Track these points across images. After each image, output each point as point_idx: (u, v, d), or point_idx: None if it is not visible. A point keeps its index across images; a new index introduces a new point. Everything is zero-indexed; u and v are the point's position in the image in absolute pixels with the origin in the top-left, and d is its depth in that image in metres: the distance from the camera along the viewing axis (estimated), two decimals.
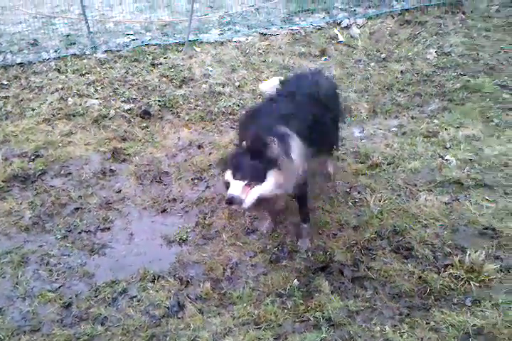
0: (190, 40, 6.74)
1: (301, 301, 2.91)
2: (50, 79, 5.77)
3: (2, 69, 5.92)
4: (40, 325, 2.84)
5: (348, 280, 3.08)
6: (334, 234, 3.47)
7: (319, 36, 6.97)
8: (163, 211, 3.93)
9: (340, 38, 6.95)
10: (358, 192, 3.86)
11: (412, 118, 4.97)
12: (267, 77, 5.69)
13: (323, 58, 6.43)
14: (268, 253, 3.38)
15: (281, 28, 7.23)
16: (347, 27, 7.25)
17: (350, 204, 3.76)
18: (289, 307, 2.88)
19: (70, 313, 2.91)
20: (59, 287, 3.13)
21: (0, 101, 5.36)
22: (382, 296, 2.93)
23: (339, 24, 7.31)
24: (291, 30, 7.15)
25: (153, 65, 6.25)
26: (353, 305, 2.85)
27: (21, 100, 5.41)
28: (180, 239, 3.58)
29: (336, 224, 3.57)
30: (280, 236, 3.52)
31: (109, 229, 3.70)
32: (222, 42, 6.85)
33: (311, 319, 2.78)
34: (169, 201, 4.01)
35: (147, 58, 6.34)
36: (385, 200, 3.72)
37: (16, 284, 3.13)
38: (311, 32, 7.09)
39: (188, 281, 3.14)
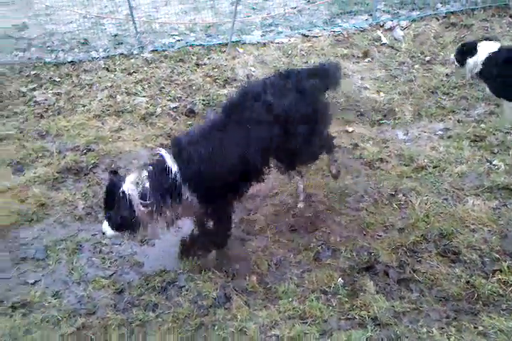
0: (233, 41, 6.86)
1: (346, 299, 2.94)
2: (100, 78, 5.98)
3: (54, 67, 6.18)
4: (94, 309, 2.97)
5: (393, 281, 3.09)
6: (379, 236, 3.48)
7: (362, 38, 6.95)
8: None
9: (384, 40, 6.92)
10: (403, 195, 3.85)
11: (458, 121, 4.91)
12: None
13: (366, 60, 6.43)
14: (312, 251, 3.42)
15: (324, 29, 7.25)
16: (390, 29, 7.20)
17: (395, 206, 3.75)
18: (334, 304, 2.91)
19: (122, 299, 3.04)
20: (112, 274, 3.27)
21: (53, 97, 5.60)
22: (428, 299, 2.92)
23: (382, 26, 7.27)
24: (334, 31, 7.17)
25: (197, 65, 6.39)
26: (399, 306, 2.86)
27: (73, 97, 5.63)
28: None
29: (380, 226, 3.58)
30: (324, 235, 3.55)
31: None
32: (265, 44, 6.94)
33: (357, 317, 2.81)
34: None
35: (192, 58, 6.48)
36: (431, 204, 3.70)
37: (72, 270, 3.28)
38: (354, 34, 7.08)
39: (233, 274, 3.22)
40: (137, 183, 2.74)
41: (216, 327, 2.79)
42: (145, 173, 2.81)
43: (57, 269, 3.32)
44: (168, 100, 5.66)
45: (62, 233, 3.63)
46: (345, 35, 7.01)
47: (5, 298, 3.07)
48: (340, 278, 3.10)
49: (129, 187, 2.69)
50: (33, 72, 5.99)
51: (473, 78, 4.76)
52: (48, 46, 6.67)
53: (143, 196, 2.71)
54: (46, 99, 5.54)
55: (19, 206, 3.86)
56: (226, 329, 2.77)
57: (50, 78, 5.92)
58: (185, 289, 3.12)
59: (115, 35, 7.04)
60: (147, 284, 3.16)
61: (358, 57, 6.46)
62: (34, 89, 5.71)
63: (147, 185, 2.75)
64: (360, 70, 6.12)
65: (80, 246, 3.51)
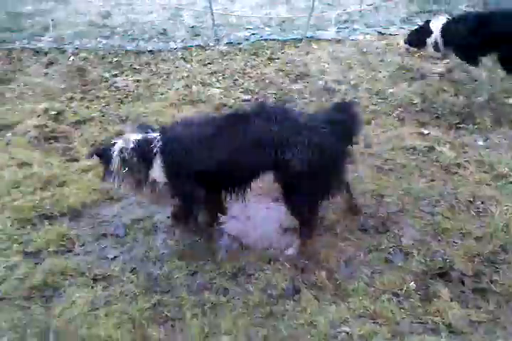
0: (307, 37, 6.86)
1: (419, 304, 2.89)
2: (177, 67, 6.17)
3: (135, 55, 6.45)
4: (169, 288, 3.09)
5: (468, 290, 3.00)
6: (454, 242, 3.38)
7: None
8: (277, 200, 4.06)
9: None
10: (482, 202, 3.72)
11: None
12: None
13: (445, 61, 6.22)
14: (383, 252, 3.38)
15: (401, 27, 7.10)
16: None
17: (473, 213, 3.63)
18: (406, 307, 2.87)
19: (195, 281, 3.14)
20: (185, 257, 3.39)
21: (133, 84, 5.84)
22: (506, 311, 2.82)
23: None
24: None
25: (270, 59, 6.45)
26: (474, 315, 2.78)
27: (151, 84, 5.85)
28: (294, 228, 3.69)
29: (456, 232, 3.47)
30: (396, 237, 3.50)
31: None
32: (339, 40, 6.89)
33: (430, 322, 2.76)
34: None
35: (265, 52, 6.55)
36: (511, 214, 3.55)
37: (148, 249, 3.43)
38: None
39: (302, 268, 3.24)
40: (124, 144, 3.16)
41: (286, 317, 2.83)
42: (134, 138, 3.17)
43: (134, 247, 3.48)
44: (240, 92, 5.76)
45: (139, 213, 3.80)
46: None
47: (87, 271, 3.26)
48: (412, 282, 3.05)
49: (117, 145, 3.16)
50: (115, 59, 6.28)
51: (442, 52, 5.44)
52: (130, 35, 6.96)
53: (123, 153, 3.13)
54: (126, 86, 5.80)
55: (100, 185, 4.07)
56: (296, 321, 2.80)
57: (131, 65, 6.17)
58: (255, 277, 3.17)
59: (192, 27, 7.24)
60: (218, 269, 3.25)
61: (437, 58, 6.27)
62: (116, 76, 5.98)
63: (130, 145, 3.13)
64: (439, 71, 5.94)
65: (156, 227, 3.66)
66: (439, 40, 5.26)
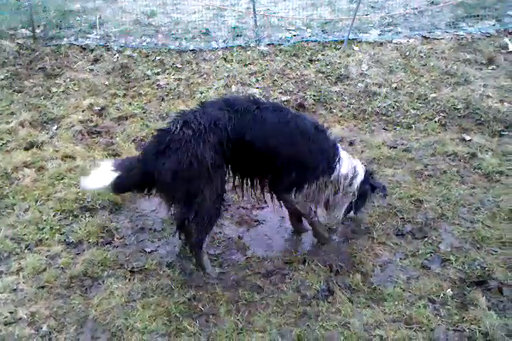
0: (349, 39, 6.80)
1: (456, 311, 2.84)
2: (217, 67, 6.24)
3: (177, 53, 6.55)
4: (203, 283, 3.15)
5: (507, 299, 2.94)
6: (494, 251, 3.31)
7: (487, 44, 6.55)
8: None
9: (511, 48, 6.47)
10: None
11: None
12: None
13: (490, 67, 6.06)
14: (420, 257, 3.34)
15: (446, 32, 6.94)
16: None
17: None
18: (442, 314, 2.84)
19: (229, 278, 3.19)
20: (220, 253, 3.44)
21: (174, 82, 5.95)
22: None
23: (511, 33, 6.81)
24: (457, 35, 6.82)
25: (310, 60, 6.43)
26: None
27: (191, 83, 5.94)
28: (329, 229, 3.70)
29: (496, 241, 3.40)
30: (434, 243, 3.44)
31: (263, 208, 3.94)
32: (382, 43, 6.79)
33: (466, 330, 2.71)
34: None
35: (306, 54, 6.53)
36: None
37: (184, 244, 3.49)
38: (479, 39, 6.69)
39: (337, 270, 3.24)
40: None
41: (319, 318, 2.84)
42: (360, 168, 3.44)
43: (171, 242, 3.56)
44: (279, 93, 5.77)
45: None
46: (469, 40, 6.66)
47: (125, 263, 3.35)
48: (449, 289, 3.01)
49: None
50: (158, 58, 6.40)
51: None
52: (173, 34, 7.07)
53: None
54: (168, 84, 5.91)
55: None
56: (329, 322, 2.80)
57: (173, 64, 6.28)
58: (289, 277, 3.20)
59: (234, 27, 7.29)
60: (251, 266, 3.28)
61: (482, 63, 6.11)
62: (158, 74, 6.10)
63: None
64: (483, 77, 5.79)
65: None
66: None
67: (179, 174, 2.86)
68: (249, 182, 3.30)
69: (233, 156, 3.02)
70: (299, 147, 3.11)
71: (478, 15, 7.30)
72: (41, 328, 2.88)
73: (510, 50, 6.43)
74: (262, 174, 3.26)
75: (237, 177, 3.29)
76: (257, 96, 5.61)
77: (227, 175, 3.16)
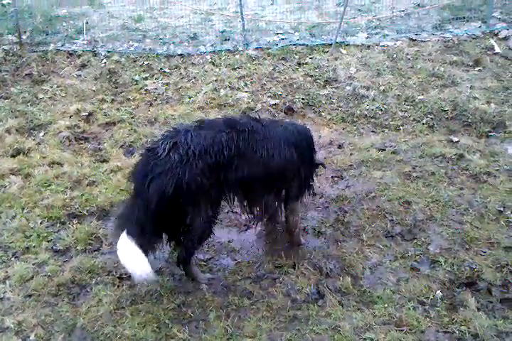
0: (337, 42, 6.83)
1: (445, 313, 2.85)
2: (206, 71, 6.23)
3: (165, 58, 6.53)
4: (193, 289, 3.12)
5: (496, 300, 2.95)
6: (483, 252, 3.33)
7: (473, 46, 6.62)
8: None
9: (497, 49, 6.54)
10: None
11: None
12: None
13: (476, 68, 6.11)
14: (409, 259, 3.34)
15: (433, 34, 7.00)
16: (505, 38, 6.81)
17: (503, 223, 3.56)
18: (432, 316, 2.84)
19: (218, 283, 3.16)
20: (209, 258, 3.42)
21: (162, 87, 5.93)
22: None
23: (496, 35, 6.88)
24: (443, 37, 6.89)
25: (299, 64, 6.44)
26: (502, 326, 2.73)
27: (180, 88, 5.92)
28: (318, 232, 3.69)
29: (485, 242, 3.42)
30: (423, 245, 3.45)
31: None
32: (369, 46, 6.83)
33: (456, 332, 2.71)
34: (309, 195, 4.12)
35: (294, 57, 6.55)
36: None
37: (173, 250, 3.46)
38: (465, 41, 6.77)
39: (327, 273, 3.23)
40: None
41: (310, 322, 2.83)
42: None
43: (159, 248, 3.51)
44: (268, 97, 5.77)
45: None
46: (456, 42, 6.72)
47: (113, 269, 3.31)
48: (439, 291, 3.01)
49: None
50: (146, 62, 6.37)
51: None
52: (161, 38, 7.05)
53: None
54: (156, 89, 5.89)
55: (128, 185, 4.13)
56: (320, 326, 2.79)
57: (161, 69, 6.26)
58: (279, 281, 3.18)
59: (222, 32, 7.29)
60: (241, 270, 3.27)
61: (468, 65, 6.18)
62: (146, 79, 6.08)
63: None
64: (470, 79, 5.85)
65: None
66: None
67: (164, 200, 2.77)
68: (250, 202, 3.24)
69: (232, 178, 2.92)
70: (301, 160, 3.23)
71: (464, 18, 7.37)
72: (28, 337, 2.84)
73: (496, 51, 6.50)
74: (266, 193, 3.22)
75: (235, 197, 3.16)
76: (245, 100, 5.64)
77: (223, 196, 3.06)
